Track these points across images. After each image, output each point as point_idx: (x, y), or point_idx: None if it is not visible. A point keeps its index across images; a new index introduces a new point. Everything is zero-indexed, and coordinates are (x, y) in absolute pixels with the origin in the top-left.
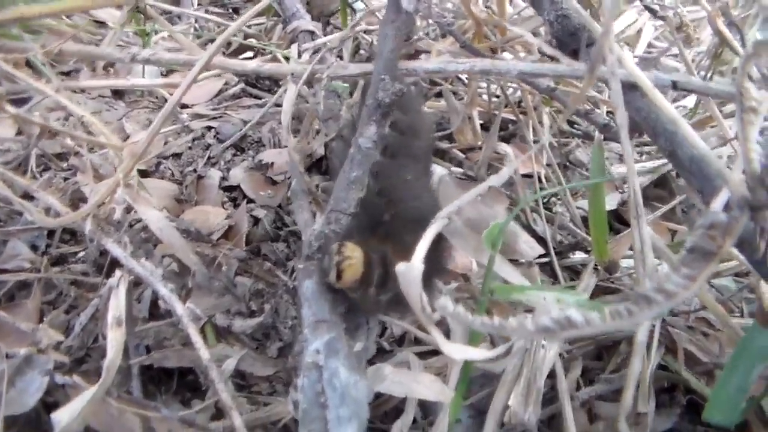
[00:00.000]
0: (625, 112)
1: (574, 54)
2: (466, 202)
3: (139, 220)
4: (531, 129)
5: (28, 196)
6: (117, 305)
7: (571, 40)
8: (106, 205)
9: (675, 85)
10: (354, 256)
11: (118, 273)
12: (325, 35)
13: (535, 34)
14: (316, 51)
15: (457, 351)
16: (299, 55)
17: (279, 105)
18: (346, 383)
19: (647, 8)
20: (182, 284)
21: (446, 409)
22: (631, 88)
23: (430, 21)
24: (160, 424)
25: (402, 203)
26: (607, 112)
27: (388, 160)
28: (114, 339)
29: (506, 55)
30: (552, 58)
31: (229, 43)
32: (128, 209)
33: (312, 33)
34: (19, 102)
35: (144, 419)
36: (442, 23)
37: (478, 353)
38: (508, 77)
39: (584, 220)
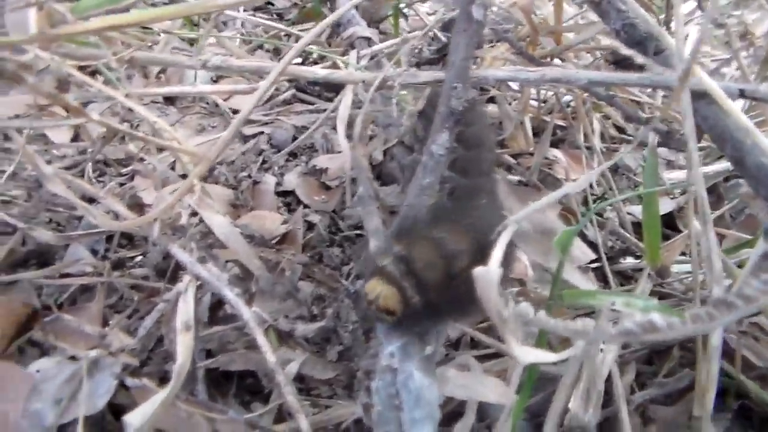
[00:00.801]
0: (692, 122)
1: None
2: (539, 208)
3: (199, 224)
4: (582, 135)
5: (87, 201)
6: (185, 310)
7: (637, 48)
8: (169, 210)
9: (742, 93)
10: (381, 290)
11: (186, 278)
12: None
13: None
14: (373, 57)
15: (528, 354)
16: (358, 61)
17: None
18: (420, 386)
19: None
20: (246, 289)
21: (508, 411)
22: (696, 96)
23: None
24: (225, 426)
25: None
26: (661, 119)
27: (461, 178)
28: (183, 343)
29: (556, 61)
30: (616, 65)
31: (276, 49)
32: (191, 214)
33: (369, 39)
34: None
35: (210, 421)
36: (498, 30)
37: (547, 356)
38: (578, 86)
39: (634, 225)
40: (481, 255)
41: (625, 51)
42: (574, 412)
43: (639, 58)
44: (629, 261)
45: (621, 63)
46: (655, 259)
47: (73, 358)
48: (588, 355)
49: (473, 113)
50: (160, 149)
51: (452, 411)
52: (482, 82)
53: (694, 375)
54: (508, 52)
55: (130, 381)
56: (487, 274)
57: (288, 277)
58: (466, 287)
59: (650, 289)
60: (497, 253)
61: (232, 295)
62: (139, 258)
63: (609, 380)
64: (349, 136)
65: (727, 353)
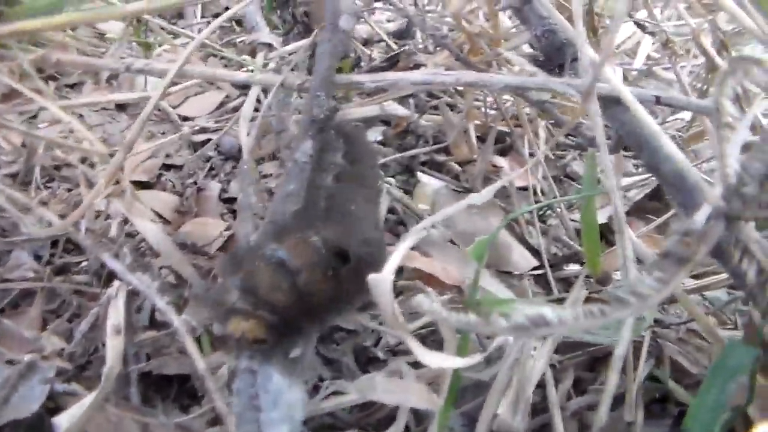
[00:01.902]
0: (602, 128)
1: (561, 68)
2: (463, 213)
3: (138, 233)
4: (526, 142)
5: (30, 208)
6: (116, 314)
7: (557, 54)
8: (102, 217)
9: (658, 100)
10: (243, 326)
11: (116, 283)
12: None
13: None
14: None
15: (434, 359)
16: (265, 66)
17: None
18: (279, 387)
19: (637, 24)
20: (180, 295)
21: (436, 417)
22: (616, 102)
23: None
24: (157, 430)
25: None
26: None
27: (336, 184)
28: (113, 347)
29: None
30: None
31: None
32: (126, 221)
33: (270, 45)
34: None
35: (142, 425)
36: (437, 36)
37: (456, 361)
38: (494, 90)
39: (578, 232)
40: (342, 260)
41: (528, 68)
42: (502, 418)
43: (539, 74)
44: (572, 268)
45: (545, 68)
46: (595, 266)
47: (10, 362)
48: (512, 362)
49: (354, 130)
50: (110, 155)
51: (388, 415)
52: (399, 85)
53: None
54: (449, 59)
55: (59, 386)
56: (381, 280)
57: (220, 284)
58: (329, 292)
59: (586, 296)
60: (393, 260)
61: (161, 302)
62: (84, 263)
63: (544, 387)
64: None
65: (662, 361)
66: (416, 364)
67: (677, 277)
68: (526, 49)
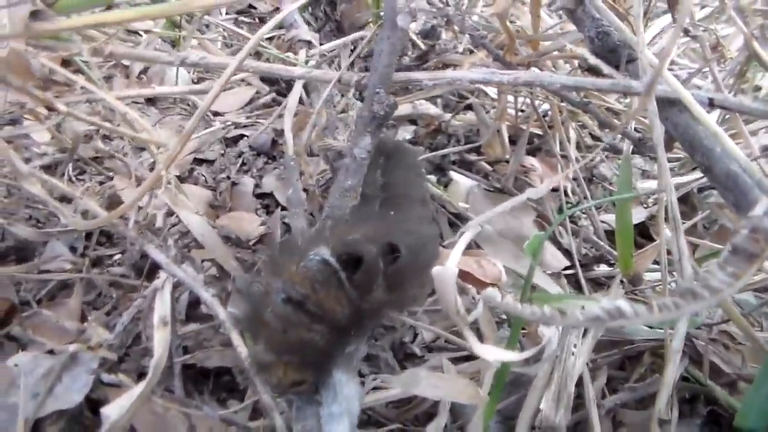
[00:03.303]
0: (660, 128)
1: (615, 70)
2: (499, 212)
3: (177, 224)
4: (558, 143)
5: (65, 199)
6: (162, 307)
7: (610, 56)
8: (145, 210)
9: (711, 102)
10: (281, 371)
11: (162, 275)
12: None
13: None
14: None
15: (491, 353)
16: (306, 62)
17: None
18: (338, 382)
19: (686, 31)
20: (222, 288)
21: (479, 412)
22: (668, 104)
23: (463, 34)
24: (201, 422)
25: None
26: (635, 128)
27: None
28: (160, 338)
29: (533, 69)
30: (590, 72)
31: (257, 53)
32: (168, 214)
33: (309, 42)
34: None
35: (186, 417)
36: (476, 36)
37: (512, 355)
38: (551, 89)
39: (608, 234)
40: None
41: (593, 60)
42: (545, 414)
43: (605, 68)
44: (602, 269)
45: (595, 70)
46: (628, 267)
47: (51, 352)
48: (552, 359)
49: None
50: (141, 149)
51: (426, 411)
52: (457, 84)
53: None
54: (486, 58)
55: (106, 377)
56: (445, 272)
57: (263, 277)
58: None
59: (621, 295)
60: (456, 253)
61: (207, 295)
62: (118, 256)
63: (581, 384)
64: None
65: (698, 361)
66: (453, 361)
67: (748, 271)
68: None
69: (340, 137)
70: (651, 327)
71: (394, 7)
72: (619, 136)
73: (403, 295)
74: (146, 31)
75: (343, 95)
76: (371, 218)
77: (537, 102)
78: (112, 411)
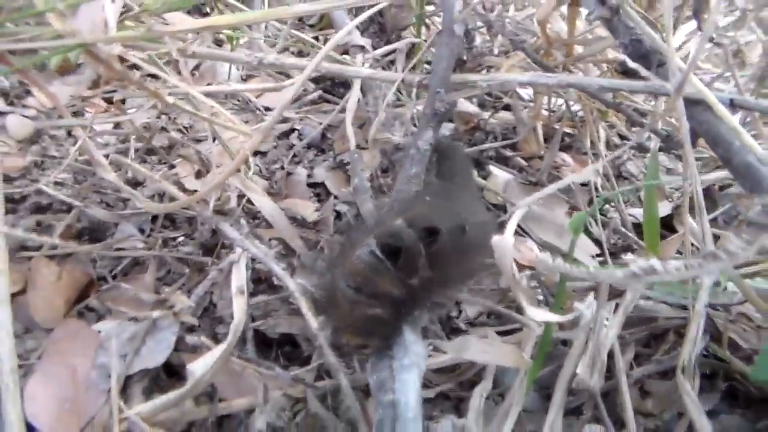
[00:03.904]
0: (687, 124)
1: (648, 70)
2: (536, 202)
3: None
4: (588, 141)
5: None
6: (239, 277)
7: (641, 61)
8: (214, 192)
9: (732, 103)
10: (348, 340)
11: (237, 250)
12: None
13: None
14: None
15: (541, 315)
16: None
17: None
18: (408, 340)
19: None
20: (288, 264)
21: (522, 376)
22: (694, 103)
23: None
24: (274, 381)
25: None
26: (661, 128)
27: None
28: (238, 305)
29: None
30: (623, 75)
31: (300, 52)
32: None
33: (362, 47)
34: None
35: (262, 377)
36: (516, 40)
37: (557, 317)
38: (590, 91)
39: (635, 226)
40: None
41: (631, 64)
42: (581, 377)
43: (642, 71)
44: (630, 257)
45: (627, 74)
46: (654, 254)
47: (134, 319)
48: (593, 329)
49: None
50: (198, 141)
51: (469, 380)
52: (506, 85)
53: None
54: (523, 61)
55: (189, 338)
56: (503, 241)
57: (326, 254)
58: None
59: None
60: (511, 225)
61: (278, 268)
62: (181, 238)
63: (611, 358)
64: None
65: (717, 338)
66: (497, 335)
67: (760, 239)
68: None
69: (396, 133)
70: (674, 305)
71: (451, 17)
72: (647, 134)
73: (455, 274)
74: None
75: (398, 97)
76: (430, 203)
77: (570, 102)
78: (197, 367)
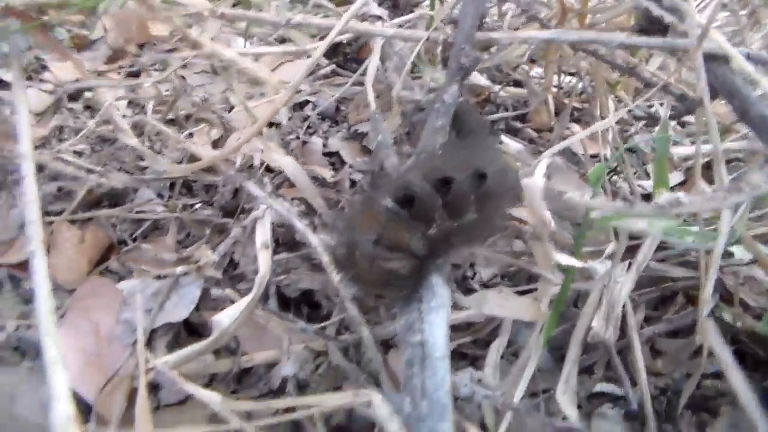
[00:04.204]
0: (705, 78)
1: (664, 32)
2: (558, 149)
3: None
4: (599, 112)
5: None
6: (263, 233)
7: (658, 24)
8: (235, 153)
9: (749, 56)
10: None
11: (261, 207)
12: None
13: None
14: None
15: (565, 259)
16: None
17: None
18: (434, 283)
19: None
20: (310, 222)
21: (536, 335)
22: (711, 58)
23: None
24: (297, 335)
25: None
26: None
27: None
28: (263, 258)
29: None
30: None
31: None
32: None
33: (380, 17)
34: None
35: (286, 330)
36: (530, 9)
37: (579, 263)
38: (611, 47)
39: (644, 197)
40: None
41: (656, 12)
42: (596, 331)
43: (666, 17)
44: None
45: (645, 33)
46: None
47: (158, 277)
48: (607, 286)
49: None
50: (213, 112)
51: (483, 339)
52: (528, 41)
53: (697, 313)
54: (537, 30)
55: (214, 290)
56: (533, 183)
57: (347, 213)
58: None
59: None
60: (541, 168)
61: (300, 224)
62: (199, 205)
63: (622, 318)
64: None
65: (728, 300)
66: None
67: None
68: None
69: (417, 94)
70: (684, 266)
71: None
72: (660, 103)
73: (488, 221)
74: None
75: (414, 63)
76: (446, 154)
77: (574, 79)
78: (223, 318)
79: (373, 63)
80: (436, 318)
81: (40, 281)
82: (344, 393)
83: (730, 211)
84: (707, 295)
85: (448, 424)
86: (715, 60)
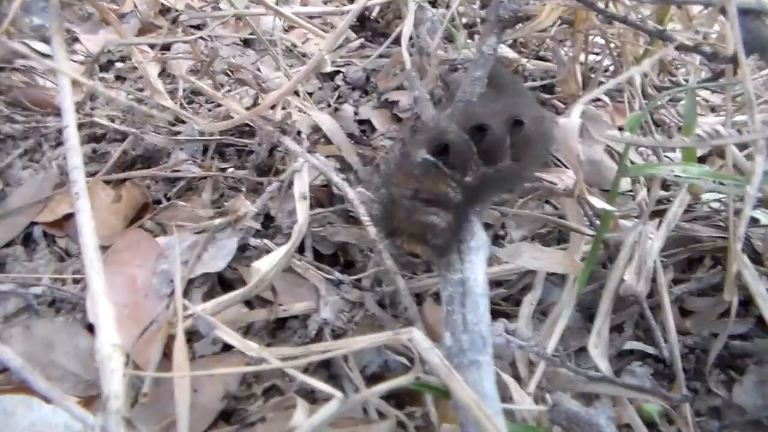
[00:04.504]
0: (739, 32)
1: None
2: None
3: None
4: (626, 80)
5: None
6: (301, 184)
7: None
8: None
9: None
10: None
11: (300, 160)
12: None
13: None
14: None
15: (599, 203)
16: None
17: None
18: (474, 225)
19: None
20: (346, 178)
21: (569, 286)
22: (742, 13)
23: None
24: (331, 287)
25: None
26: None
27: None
28: (301, 209)
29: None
30: None
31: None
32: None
33: None
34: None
35: (323, 279)
36: None
37: (613, 207)
38: (644, 3)
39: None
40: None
41: None
42: (628, 283)
43: None
44: (661, 193)
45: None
46: (692, 187)
47: (198, 232)
48: (638, 242)
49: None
50: (243, 83)
51: (515, 297)
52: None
53: (724, 273)
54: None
55: (253, 240)
56: (569, 123)
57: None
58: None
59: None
60: (576, 110)
61: (338, 178)
62: (231, 169)
63: (654, 280)
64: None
65: (755, 260)
66: None
67: None
68: None
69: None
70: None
71: None
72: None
73: (524, 167)
74: None
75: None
76: (482, 103)
77: (608, 39)
78: (262, 265)
79: (407, 26)
80: (476, 258)
81: (84, 217)
82: (383, 333)
83: (763, 158)
84: (737, 249)
85: (489, 357)
86: (746, 14)
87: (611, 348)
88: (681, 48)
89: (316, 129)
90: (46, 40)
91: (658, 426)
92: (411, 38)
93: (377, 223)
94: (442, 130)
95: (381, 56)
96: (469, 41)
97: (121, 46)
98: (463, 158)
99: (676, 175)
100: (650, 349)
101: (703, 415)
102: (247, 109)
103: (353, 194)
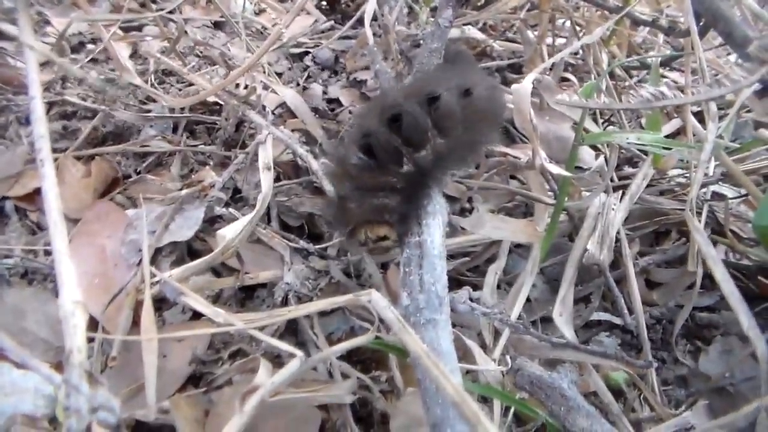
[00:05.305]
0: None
1: None
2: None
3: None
4: (592, 61)
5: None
6: (265, 155)
7: None
8: (237, 80)
9: None
10: (370, 230)
11: (264, 132)
12: None
13: None
14: None
15: (556, 169)
16: None
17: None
18: (433, 193)
19: None
20: (310, 151)
21: (534, 254)
22: None
23: None
24: (296, 255)
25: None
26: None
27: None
28: (265, 179)
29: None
30: None
31: None
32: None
33: None
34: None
35: (289, 247)
36: None
37: (567, 173)
38: None
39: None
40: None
41: None
42: (591, 252)
43: None
44: (629, 170)
45: None
46: (657, 162)
47: (162, 202)
48: (601, 213)
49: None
50: (213, 64)
51: (480, 268)
52: None
53: (689, 245)
54: None
55: (218, 210)
56: (521, 89)
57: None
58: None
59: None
60: (530, 77)
61: (302, 150)
62: (201, 146)
63: (619, 253)
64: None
65: (719, 232)
66: None
67: (761, 70)
68: None
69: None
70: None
71: None
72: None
73: (477, 134)
74: None
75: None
76: (444, 75)
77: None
78: (227, 232)
79: (371, 4)
80: (433, 222)
81: (49, 182)
82: (344, 296)
83: (714, 125)
84: (688, 212)
85: (445, 316)
86: None
87: (578, 318)
88: (639, 23)
89: (284, 106)
90: (16, 23)
91: (625, 393)
92: (375, 18)
93: (334, 226)
94: (395, 101)
95: (349, 37)
96: (432, 19)
97: (92, 27)
98: (416, 128)
99: (629, 142)
100: (617, 320)
101: (670, 383)
102: None
103: (317, 165)
